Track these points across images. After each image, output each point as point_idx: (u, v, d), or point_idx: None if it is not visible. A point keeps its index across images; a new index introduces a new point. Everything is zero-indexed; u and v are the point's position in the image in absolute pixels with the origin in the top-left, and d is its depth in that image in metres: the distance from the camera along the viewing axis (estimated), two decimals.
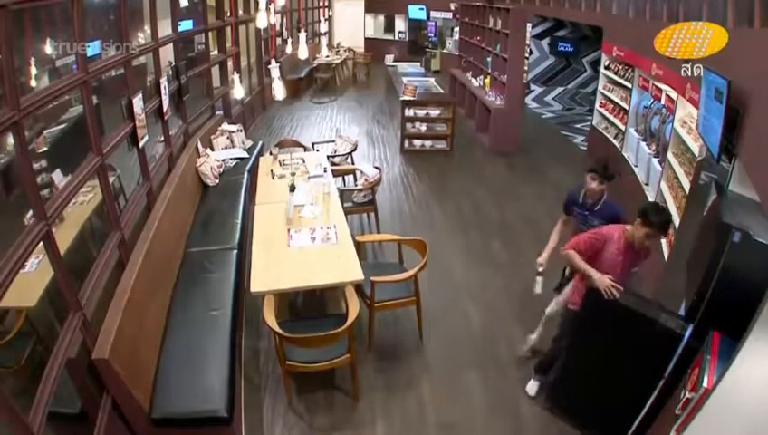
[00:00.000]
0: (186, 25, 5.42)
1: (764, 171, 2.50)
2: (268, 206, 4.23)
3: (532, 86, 10.85)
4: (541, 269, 3.18)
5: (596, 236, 2.88)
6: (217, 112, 6.72)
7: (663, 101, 5.16)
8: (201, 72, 5.98)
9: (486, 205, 6.09)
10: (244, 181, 5.23)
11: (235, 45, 7.18)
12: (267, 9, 6.02)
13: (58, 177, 2.59)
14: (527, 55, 10.13)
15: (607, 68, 7.34)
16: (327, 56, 13.10)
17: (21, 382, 2.26)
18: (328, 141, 6.67)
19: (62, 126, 3.00)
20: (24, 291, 2.20)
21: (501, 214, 5.84)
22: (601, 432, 2.89)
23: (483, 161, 7.62)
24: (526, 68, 10.12)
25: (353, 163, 6.10)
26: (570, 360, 2.99)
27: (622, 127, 6.57)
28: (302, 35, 7.08)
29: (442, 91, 8.83)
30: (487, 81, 8.65)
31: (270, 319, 2.92)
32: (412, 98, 7.67)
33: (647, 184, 5.32)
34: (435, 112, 7.86)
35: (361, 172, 5.35)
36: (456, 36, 12.54)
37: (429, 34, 15.15)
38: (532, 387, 3.28)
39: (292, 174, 4.80)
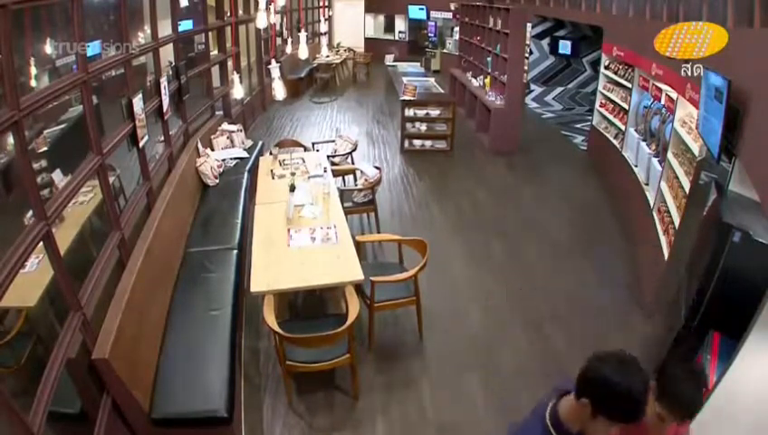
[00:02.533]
0: (186, 25, 5.42)
1: (764, 171, 2.50)
2: (268, 206, 4.23)
3: (532, 86, 10.85)
4: None
5: None
6: (217, 112, 6.72)
7: (663, 101, 5.16)
8: (201, 72, 5.98)
9: (486, 205, 6.09)
10: (244, 181, 5.23)
11: (235, 45, 7.17)
12: (267, 9, 6.02)
13: (58, 177, 2.59)
14: (527, 55, 10.14)
15: (607, 68, 7.34)
16: (327, 56, 13.10)
17: (21, 382, 2.26)
18: (328, 141, 6.66)
19: (62, 126, 3.00)
20: (24, 291, 2.20)
21: (501, 214, 5.83)
22: None
23: (483, 161, 7.62)
24: (526, 68, 10.12)
25: (353, 163, 6.09)
26: None
27: (622, 127, 6.57)
28: (303, 35, 7.10)
29: (442, 91, 8.83)
30: (487, 81, 8.65)
31: (270, 319, 2.92)
32: (412, 98, 7.66)
33: (647, 184, 5.32)
34: (435, 112, 7.86)
35: (361, 172, 5.35)
36: (456, 36, 12.54)
37: (429, 34, 15.15)
38: None
39: (292, 174, 4.80)
